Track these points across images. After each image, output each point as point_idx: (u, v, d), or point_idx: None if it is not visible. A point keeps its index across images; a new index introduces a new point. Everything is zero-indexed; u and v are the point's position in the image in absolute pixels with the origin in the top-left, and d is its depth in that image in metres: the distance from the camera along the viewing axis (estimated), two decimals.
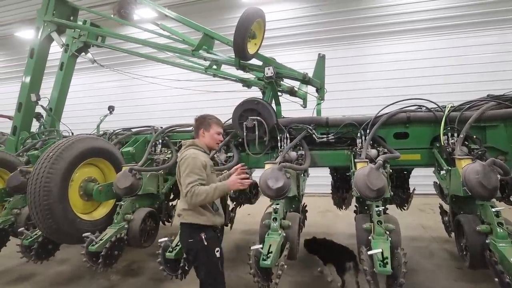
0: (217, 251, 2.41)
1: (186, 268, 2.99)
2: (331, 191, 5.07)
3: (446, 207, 3.82)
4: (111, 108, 6.21)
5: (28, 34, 10.83)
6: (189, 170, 2.33)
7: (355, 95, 8.69)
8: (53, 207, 3.18)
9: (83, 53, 5.53)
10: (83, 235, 3.20)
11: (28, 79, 5.18)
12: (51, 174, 3.20)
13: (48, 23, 5.06)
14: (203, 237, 2.36)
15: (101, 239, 3.20)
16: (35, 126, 5.56)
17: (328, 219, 6.49)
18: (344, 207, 5.00)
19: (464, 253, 2.85)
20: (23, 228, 3.71)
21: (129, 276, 4.13)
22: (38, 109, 5.45)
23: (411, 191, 4.38)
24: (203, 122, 2.63)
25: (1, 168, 4.42)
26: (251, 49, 3.54)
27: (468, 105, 3.44)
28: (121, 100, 9.89)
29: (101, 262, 3.12)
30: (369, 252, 2.51)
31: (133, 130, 4.69)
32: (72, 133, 5.26)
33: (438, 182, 4.23)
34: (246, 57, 3.55)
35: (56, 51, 5.52)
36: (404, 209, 4.50)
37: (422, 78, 8.33)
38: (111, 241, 3.23)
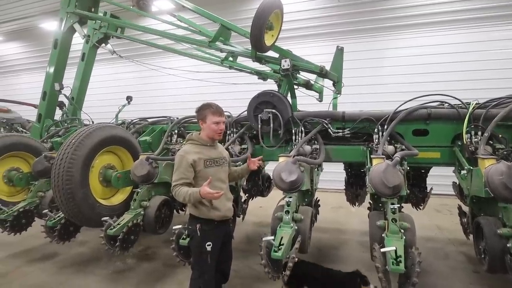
0: (208, 245, 2.46)
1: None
2: (344, 187, 5.01)
3: (465, 208, 3.70)
4: (129, 98, 6.35)
5: (52, 26, 11.18)
6: (175, 168, 2.46)
7: (373, 89, 8.44)
8: (75, 192, 3.32)
9: (103, 44, 5.67)
10: (102, 219, 3.34)
11: (52, 69, 5.37)
12: (73, 160, 3.33)
13: (71, 15, 5.20)
14: (197, 227, 2.48)
15: (118, 224, 3.33)
16: (58, 114, 5.78)
17: (340, 215, 6.43)
18: (357, 204, 4.94)
19: (483, 256, 2.77)
20: (47, 210, 3.91)
21: (144, 261, 4.27)
22: (61, 98, 5.65)
23: (428, 191, 4.26)
24: (199, 113, 2.55)
25: (28, 153, 4.64)
26: (268, 41, 3.50)
27: (495, 103, 3.28)
28: (139, 91, 10.07)
29: (118, 246, 3.26)
30: (382, 250, 2.48)
31: (150, 120, 4.78)
32: (93, 122, 5.43)
33: (457, 182, 4.10)
34: (263, 49, 3.51)
35: (78, 42, 5.68)
36: (420, 209, 4.39)
37: (443, 73, 7.96)
38: (128, 226, 3.36)
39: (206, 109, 2.53)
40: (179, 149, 4.10)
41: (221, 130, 2.58)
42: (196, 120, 4.25)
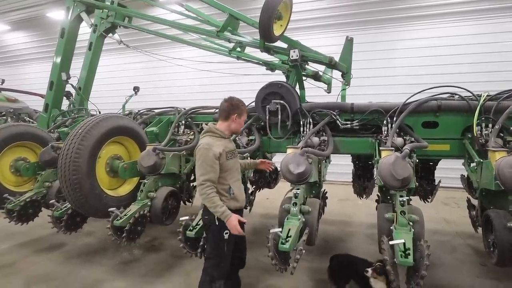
0: (226, 233, 2.48)
1: (206, 246, 3.07)
2: (352, 180, 4.99)
3: (474, 201, 3.66)
4: (136, 89, 6.32)
5: (59, 15, 11.11)
6: (201, 161, 2.42)
7: (382, 81, 8.35)
8: (82, 182, 3.33)
9: (110, 34, 5.63)
10: (109, 209, 3.35)
11: (59, 59, 5.37)
12: (80, 150, 3.34)
13: (78, 3, 5.18)
14: (215, 217, 2.47)
15: (125, 215, 3.35)
16: (65, 104, 5.79)
17: (348, 207, 6.43)
18: (364, 196, 4.92)
19: (492, 249, 2.75)
20: (54, 200, 3.94)
21: (151, 252, 4.30)
22: (68, 88, 5.65)
23: (436, 183, 4.23)
24: (237, 107, 2.61)
25: (34, 143, 4.66)
26: (276, 31, 3.45)
27: (506, 95, 3.21)
28: (146, 81, 10.06)
29: (125, 236, 3.27)
30: (391, 242, 2.47)
31: (157, 110, 4.77)
32: (99, 112, 5.43)
33: (465, 175, 4.07)
34: (272, 39, 3.46)
35: (85, 32, 5.65)
36: (428, 201, 4.37)
37: (453, 65, 7.85)
38: (135, 217, 3.36)
39: (243, 106, 2.68)
40: (186, 140, 4.17)
41: None
42: (204, 111, 4.33)
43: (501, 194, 2.72)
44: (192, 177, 4.84)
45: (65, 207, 3.81)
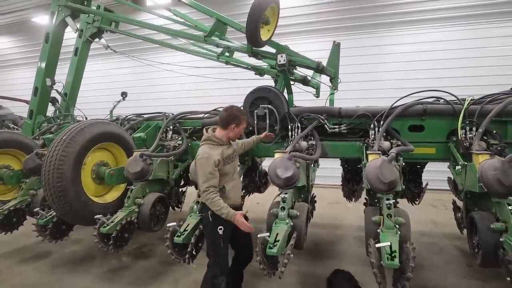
0: (220, 229, 2.64)
1: (194, 253, 3.04)
2: (341, 183, 5.02)
3: (460, 203, 3.73)
4: (124, 94, 6.26)
5: (44, 20, 10.93)
6: (203, 170, 2.58)
7: (370, 86, 8.45)
8: (66, 189, 3.27)
9: (96, 39, 5.57)
10: (95, 217, 3.29)
11: (43, 64, 5.28)
12: (64, 157, 3.27)
13: (63, 8, 5.10)
14: (209, 214, 2.67)
15: (112, 222, 3.28)
16: (50, 110, 5.69)
17: (337, 210, 6.46)
18: (354, 199, 4.95)
19: (476, 250, 2.78)
20: (38, 209, 3.85)
21: (140, 259, 4.24)
22: (54, 94, 5.55)
23: (423, 186, 4.29)
24: (235, 118, 2.72)
25: (19, 150, 4.55)
26: (264, 36, 3.47)
27: (489, 99, 3.29)
28: (134, 87, 9.96)
29: (112, 244, 3.21)
30: (377, 245, 2.48)
31: (145, 116, 4.72)
32: (86, 118, 5.35)
33: (452, 177, 4.13)
34: (259, 44, 3.47)
35: (71, 36, 5.57)
36: (416, 204, 4.42)
37: (440, 70, 8.00)
38: (122, 224, 3.31)
39: (242, 116, 2.77)
40: (174, 146, 4.13)
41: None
42: (192, 116, 4.30)
43: (484, 196, 2.75)
44: (182, 183, 4.82)
45: (50, 215, 3.73)
